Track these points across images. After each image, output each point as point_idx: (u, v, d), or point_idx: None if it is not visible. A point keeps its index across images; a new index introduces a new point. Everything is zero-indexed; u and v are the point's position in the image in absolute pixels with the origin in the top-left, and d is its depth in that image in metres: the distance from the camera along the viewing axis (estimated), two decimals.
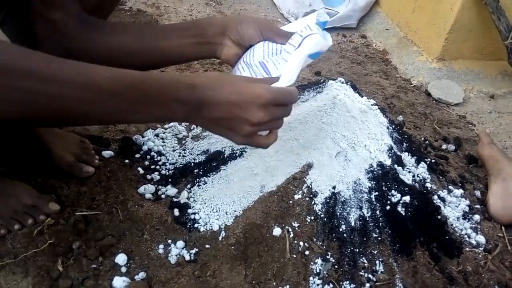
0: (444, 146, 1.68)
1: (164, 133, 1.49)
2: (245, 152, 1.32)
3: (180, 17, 2.52)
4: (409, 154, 1.36)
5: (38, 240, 1.04)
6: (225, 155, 1.35)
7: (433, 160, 1.47)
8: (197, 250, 1.11)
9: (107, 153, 1.33)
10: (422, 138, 1.68)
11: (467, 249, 1.19)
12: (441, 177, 1.40)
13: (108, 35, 1.00)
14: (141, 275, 1.03)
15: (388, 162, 1.23)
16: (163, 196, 1.25)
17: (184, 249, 1.11)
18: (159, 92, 0.75)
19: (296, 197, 1.16)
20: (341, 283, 1.07)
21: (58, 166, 1.20)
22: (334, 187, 1.17)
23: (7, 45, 0.67)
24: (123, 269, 1.04)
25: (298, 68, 0.89)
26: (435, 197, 1.28)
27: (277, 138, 0.90)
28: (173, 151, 1.42)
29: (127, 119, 0.78)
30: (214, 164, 1.33)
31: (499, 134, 1.87)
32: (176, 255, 1.09)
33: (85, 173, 1.21)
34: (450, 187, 1.37)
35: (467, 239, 1.22)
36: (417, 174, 1.30)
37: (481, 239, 1.23)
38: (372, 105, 1.38)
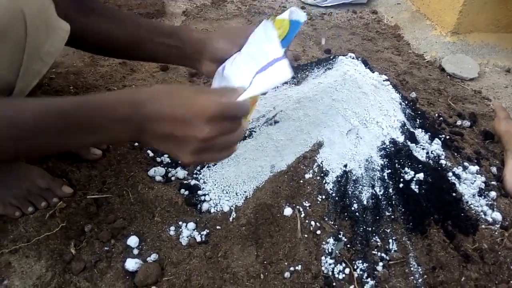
0: (459, 122, 1.64)
1: None
2: (254, 132, 1.30)
3: None
4: (423, 130, 1.32)
5: (50, 224, 1.04)
6: None
7: (447, 137, 1.43)
8: (208, 231, 1.11)
9: None
10: (436, 115, 1.64)
11: (483, 226, 1.16)
12: (456, 154, 1.36)
13: (96, 22, 0.97)
14: (153, 256, 1.03)
15: (401, 138, 1.20)
16: (173, 178, 1.24)
17: (195, 230, 1.11)
18: (93, 116, 0.70)
19: (307, 176, 1.15)
20: (353, 262, 1.05)
21: None
22: (345, 166, 1.15)
23: None
24: (135, 251, 1.04)
25: (256, 92, 0.80)
26: (450, 174, 1.25)
27: (233, 152, 0.80)
28: None
29: (69, 147, 0.75)
30: None
31: None
32: (187, 237, 1.09)
33: (93, 155, 1.21)
34: (465, 163, 1.33)
35: (483, 216, 1.19)
36: (431, 151, 1.27)
37: (498, 216, 1.20)
38: (384, 80, 1.34)
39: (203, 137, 0.70)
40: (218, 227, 1.11)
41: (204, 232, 1.10)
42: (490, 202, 1.24)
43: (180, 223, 1.12)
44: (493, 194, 1.27)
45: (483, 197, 1.24)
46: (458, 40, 2.22)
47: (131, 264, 1.00)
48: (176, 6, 2.44)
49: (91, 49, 1.11)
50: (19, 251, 0.99)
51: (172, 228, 1.10)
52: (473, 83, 1.99)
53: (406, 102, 1.37)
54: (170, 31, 1.02)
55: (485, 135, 1.57)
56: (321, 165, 1.16)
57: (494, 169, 1.39)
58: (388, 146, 1.18)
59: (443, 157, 1.29)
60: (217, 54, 0.99)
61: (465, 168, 1.31)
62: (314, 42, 2.24)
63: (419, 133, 1.30)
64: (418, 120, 1.35)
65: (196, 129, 0.69)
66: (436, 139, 1.32)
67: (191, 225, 1.11)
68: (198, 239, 1.09)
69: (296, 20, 0.90)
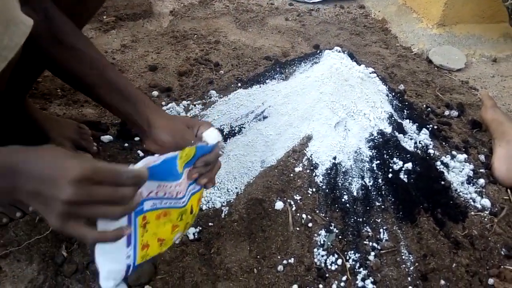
0: (446, 113, 1.65)
1: None
2: (244, 128, 1.31)
3: None
4: (410, 121, 1.34)
5: (41, 227, 1.04)
6: (224, 133, 1.34)
7: (435, 127, 1.45)
8: (200, 228, 1.11)
9: (106, 138, 1.33)
10: (424, 106, 1.66)
11: (472, 213, 1.18)
12: (444, 143, 1.38)
13: (64, 57, 0.93)
14: None
15: (388, 129, 1.22)
16: None
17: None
18: None
19: (297, 169, 1.16)
20: (345, 253, 1.06)
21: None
22: (334, 158, 1.16)
23: None
24: None
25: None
26: (438, 162, 1.26)
27: (109, 234, 0.70)
28: None
29: None
30: None
31: (503, 97, 1.85)
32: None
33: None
34: (454, 152, 1.35)
35: (472, 203, 1.21)
36: (419, 141, 1.28)
37: (487, 202, 1.22)
38: (370, 73, 1.36)
39: (66, 200, 0.64)
40: (210, 224, 1.12)
41: (197, 230, 1.11)
42: (479, 189, 1.26)
43: None
44: (481, 181, 1.29)
45: (471, 184, 1.26)
46: (444, 32, 2.24)
47: None
48: (163, 6, 2.44)
49: (60, 78, 1.09)
50: (10, 255, 0.98)
51: None
52: (460, 74, 2.01)
53: (393, 94, 1.39)
54: (128, 94, 0.99)
55: (473, 124, 1.59)
56: (310, 158, 1.17)
57: (482, 157, 1.40)
58: (376, 137, 1.19)
59: (431, 146, 1.30)
60: (157, 143, 0.97)
61: (453, 156, 1.33)
62: (303, 38, 2.25)
63: (407, 124, 1.32)
64: (405, 111, 1.37)
65: (59, 191, 0.65)
66: (424, 129, 1.34)
67: None
68: (191, 236, 1.09)
69: (202, 147, 0.88)
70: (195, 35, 2.08)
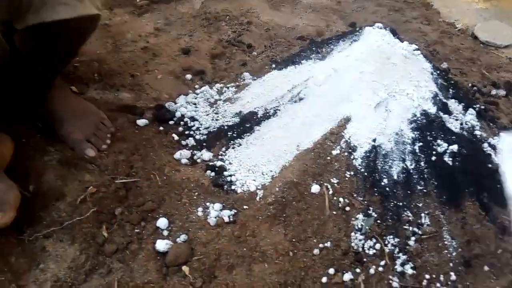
0: (493, 92, 1.58)
1: (196, 98, 1.49)
2: (279, 110, 1.30)
3: None
4: (456, 101, 1.29)
5: (82, 208, 1.07)
6: (259, 115, 1.33)
7: (482, 107, 1.39)
8: (235, 211, 1.12)
9: (141, 122, 1.34)
10: (470, 84, 1.60)
11: None
12: (491, 124, 1.33)
13: None
14: (183, 237, 1.05)
15: (433, 110, 1.18)
16: (198, 160, 1.26)
17: (223, 210, 1.12)
18: None
19: (334, 152, 1.14)
20: (384, 237, 1.05)
21: (62, 140, 1.21)
22: (374, 140, 1.14)
23: None
24: (165, 233, 1.07)
25: None
26: (485, 144, 1.22)
27: None
28: (206, 115, 1.42)
29: None
30: (248, 125, 1.32)
31: None
32: (215, 217, 1.10)
33: (85, 155, 1.19)
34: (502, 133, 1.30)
35: None
36: (465, 122, 1.24)
37: None
38: (414, 50, 1.30)
39: None
40: (245, 206, 1.13)
41: (232, 212, 1.12)
42: None
43: (208, 204, 1.14)
44: None
45: None
46: (491, 6, 2.15)
47: (162, 245, 1.02)
48: None
49: None
50: (53, 235, 1.02)
51: (200, 209, 1.12)
52: (508, 51, 1.92)
53: (438, 72, 1.33)
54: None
55: None
56: (348, 140, 1.14)
57: None
58: (420, 118, 1.16)
59: (477, 127, 1.26)
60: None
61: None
62: (338, 16, 2.19)
63: (452, 104, 1.27)
64: (450, 90, 1.32)
65: None
66: (470, 109, 1.29)
67: (218, 205, 1.13)
68: (226, 219, 1.10)
69: None
70: (227, 16, 2.05)
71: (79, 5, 0.95)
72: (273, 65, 1.61)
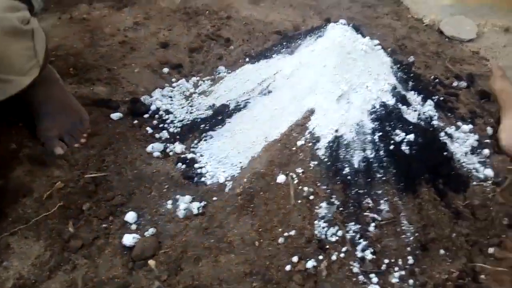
0: (455, 84, 1.59)
1: (172, 91, 1.47)
2: (249, 103, 1.29)
3: None
4: (415, 92, 1.29)
5: (48, 204, 1.04)
6: (230, 108, 1.32)
7: (441, 98, 1.40)
8: (205, 203, 1.10)
9: (115, 115, 1.32)
10: (432, 77, 1.60)
11: (475, 183, 1.14)
12: (449, 114, 1.33)
13: None
14: (151, 231, 1.03)
15: (391, 101, 1.18)
16: (171, 153, 1.24)
17: (192, 203, 1.10)
18: None
19: (299, 143, 1.13)
20: (346, 224, 1.04)
21: (38, 136, 1.18)
22: (336, 131, 1.13)
23: None
24: (133, 227, 1.05)
25: None
26: (442, 133, 1.22)
27: None
28: (181, 108, 1.40)
29: None
30: (220, 118, 1.31)
31: None
32: (184, 209, 1.08)
33: (54, 153, 1.16)
34: (459, 123, 1.31)
35: (475, 173, 1.17)
36: (423, 112, 1.24)
37: (489, 172, 1.17)
38: (375, 45, 1.30)
39: None
40: (214, 198, 1.11)
41: (201, 204, 1.10)
42: (482, 160, 1.22)
43: (177, 196, 1.12)
44: (486, 151, 1.24)
45: (476, 154, 1.22)
46: (456, 2, 2.15)
47: (129, 239, 1.00)
48: None
49: None
50: (18, 232, 0.99)
51: (170, 202, 1.11)
52: (471, 44, 1.93)
53: (399, 66, 1.34)
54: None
55: (482, 95, 1.53)
56: (312, 131, 1.14)
57: (488, 128, 1.35)
58: (379, 110, 1.15)
59: (435, 117, 1.26)
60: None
61: (458, 127, 1.28)
62: (314, 11, 2.19)
63: (411, 95, 1.27)
64: (410, 82, 1.32)
65: None
66: (429, 100, 1.29)
67: (187, 198, 1.11)
68: (195, 211, 1.08)
69: None
70: (207, 11, 2.02)
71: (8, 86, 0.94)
72: (247, 59, 1.59)
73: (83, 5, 1.91)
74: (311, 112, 1.17)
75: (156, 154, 1.23)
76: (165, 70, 1.58)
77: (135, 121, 1.33)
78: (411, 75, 1.38)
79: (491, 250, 1.06)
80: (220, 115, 1.32)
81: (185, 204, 1.10)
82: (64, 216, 1.03)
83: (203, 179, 1.16)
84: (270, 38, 1.82)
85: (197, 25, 1.91)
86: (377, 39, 1.82)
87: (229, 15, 2.00)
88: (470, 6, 2.13)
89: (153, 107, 1.38)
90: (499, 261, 1.05)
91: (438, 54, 1.83)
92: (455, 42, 1.94)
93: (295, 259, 0.99)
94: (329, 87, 1.17)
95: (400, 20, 2.16)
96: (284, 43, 1.46)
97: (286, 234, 1.03)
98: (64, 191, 1.07)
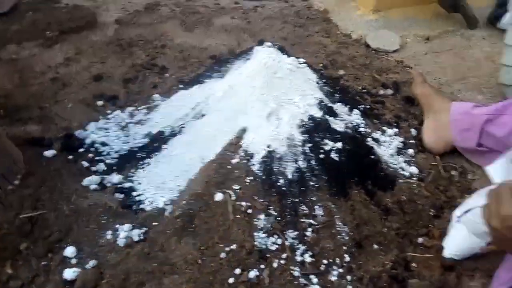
0: (381, 92, 1.74)
1: (107, 123, 1.52)
2: (184, 127, 1.36)
3: (119, 6, 2.51)
4: (343, 104, 1.41)
5: None
6: (166, 134, 1.39)
7: (368, 106, 1.53)
8: (145, 229, 1.15)
9: (49, 153, 1.35)
10: (360, 88, 1.74)
11: (401, 181, 1.26)
12: (375, 120, 1.46)
13: None
14: (91, 263, 1.07)
15: (318, 114, 1.29)
16: (108, 184, 1.28)
17: (132, 230, 1.15)
18: None
19: (234, 161, 1.21)
20: (284, 232, 1.13)
21: None
22: (268, 146, 1.23)
23: None
24: (73, 261, 1.08)
25: None
26: (369, 139, 1.34)
27: None
28: (117, 139, 1.45)
29: None
30: (156, 145, 1.37)
31: (435, 72, 1.94)
32: (124, 238, 1.13)
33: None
34: (384, 127, 1.44)
35: (401, 172, 1.29)
36: (350, 121, 1.36)
37: (414, 170, 1.30)
38: (301, 63, 1.42)
39: None
40: (154, 223, 1.16)
41: (142, 231, 1.15)
42: (408, 159, 1.35)
43: (117, 226, 1.16)
44: (411, 151, 1.38)
45: (401, 155, 1.35)
46: (380, 17, 2.35)
47: (69, 273, 1.03)
48: (108, 15, 2.41)
49: None
50: None
51: (109, 232, 1.15)
52: (396, 55, 2.10)
53: (325, 80, 1.46)
54: None
55: (406, 100, 1.68)
56: (246, 149, 1.23)
57: (413, 129, 1.49)
58: (307, 123, 1.26)
59: (362, 125, 1.38)
60: None
61: (383, 132, 1.41)
62: (248, 34, 2.30)
63: (339, 107, 1.39)
64: (337, 95, 1.44)
65: None
66: (355, 109, 1.42)
67: (127, 226, 1.15)
68: (136, 238, 1.13)
69: None
70: (141, 41, 2.10)
71: None
72: (181, 85, 1.68)
73: (12, 45, 1.93)
74: (244, 131, 1.26)
75: (93, 187, 1.27)
76: (100, 102, 1.63)
77: (70, 157, 1.36)
78: (338, 87, 1.50)
79: (420, 240, 1.17)
80: (157, 142, 1.38)
81: (125, 232, 1.14)
82: (1, 257, 1.05)
83: (142, 206, 1.21)
84: (206, 63, 1.91)
85: (131, 56, 1.98)
86: (309, 56, 1.97)
87: (163, 43, 2.08)
88: (393, 20, 2.33)
89: (88, 141, 1.43)
90: (427, 249, 1.15)
91: (366, 66, 1.98)
92: (381, 54, 2.11)
93: (237, 271, 1.06)
94: (259, 106, 1.27)
95: (330, 37, 2.31)
96: (216, 68, 1.56)
97: (227, 249, 1.09)
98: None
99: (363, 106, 1.49)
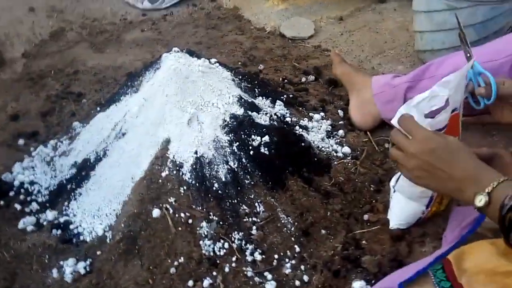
0: (303, 79, 1.81)
1: (32, 161, 1.51)
2: (108, 150, 1.37)
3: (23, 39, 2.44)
4: (264, 97, 1.47)
5: None
6: (91, 161, 1.39)
7: (291, 95, 1.60)
8: (90, 260, 1.17)
9: None
10: (281, 79, 1.81)
11: (336, 162, 1.34)
12: (300, 108, 1.54)
13: None
14: None
15: (240, 111, 1.33)
16: (44, 222, 1.29)
17: (77, 264, 1.17)
18: None
19: (164, 174, 1.24)
20: (230, 235, 1.17)
21: None
22: (196, 152, 1.26)
23: None
24: None
25: None
26: (297, 127, 1.41)
27: None
28: (45, 175, 1.45)
29: None
30: (84, 173, 1.37)
31: (353, 51, 2.06)
32: (71, 274, 1.15)
33: None
34: (311, 114, 1.51)
35: (334, 154, 1.37)
36: (275, 113, 1.41)
37: (347, 149, 1.39)
38: (213, 64, 1.46)
39: None
40: (98, 252, 1.18)
41: (87, 263, 1.17)
42: (339, 140, 1.43)
43: (61, 262, 1.17)
44: (341, 132, 1.46)
45: (332, 137, 1.43)
46: (289, 5, 2.45)
47: None
48: (14, 50, 2.34)
49: None
50: None
51: (54, 270, 1.16)
52: (312, 40, 2.20)
53: (241, 77, 1.51)
54: None
55: (329, 83, 1.77)
56: (174, 159, 1.25)
57: (339, 111, 1.58)
58: (230, 122, 1.31)
59: (287, 115, 1.44)
60: None
61: (310, 118, 1.48)
62: (161, 45, 2.32)
63: (260, 101, 1.45)
64: (256, 89, 1.49)
65: None
66: (278, 101, 1.48)
67: (71, 260, 1.17)
68: (82, 271, 1.15)
69: None
70: (52, 71, 2.07)
71: None
72: (98, 108, 1.67)
73: None
74: (167, 141, 1.29)
75: (29, 228, 1.27)
76: (21, 141, 1.63)
77: (1, 202, 1.36)
78: (257, 82, 1.55)
79: (365, 216, 1.25)
80: (84, 170, 1.38)
81: (70, 267, 1.16)
82: None
83: (82, 237, 1.23)
84: (122, 81, 1.90)
85: (44, 88, 1.96)
86: (226, 56, 2.01)
87: (76, 69, 2.07)
88: (303, 6, 2.43)
89: (16, 183, 1.42)
90: (374, 224, 1.23)
91: (285, 56, 2.06)
92: (298, 42, 2.20)
93: (190, 283, 1.10)
94: (177, 114, 1.30)
95: (244, 33, 2.37)
96: (129, 83, 1.56)
97: (176, 263, 1.13)
98: None
99: (285, 96, 1.55)
